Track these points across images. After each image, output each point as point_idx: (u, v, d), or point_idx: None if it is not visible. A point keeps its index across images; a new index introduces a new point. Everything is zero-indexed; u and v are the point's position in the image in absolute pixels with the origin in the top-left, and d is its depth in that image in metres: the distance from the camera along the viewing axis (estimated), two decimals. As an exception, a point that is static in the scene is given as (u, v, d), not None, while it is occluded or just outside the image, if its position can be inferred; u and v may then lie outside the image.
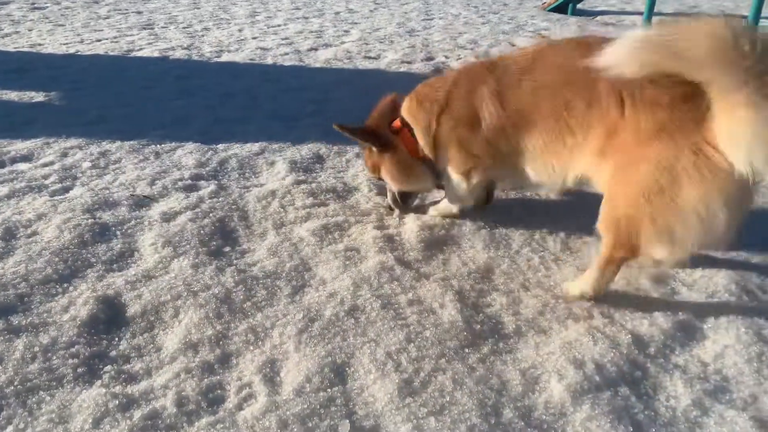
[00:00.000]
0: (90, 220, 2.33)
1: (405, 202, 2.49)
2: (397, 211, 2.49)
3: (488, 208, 2.47)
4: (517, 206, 2.57)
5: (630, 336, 1.74)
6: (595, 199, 2.57)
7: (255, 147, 3.23)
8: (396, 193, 2.45)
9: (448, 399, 1.49)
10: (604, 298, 1.92)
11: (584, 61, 1.67)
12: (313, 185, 2.75)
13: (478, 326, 1.77)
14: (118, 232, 2.28)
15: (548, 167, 1.96)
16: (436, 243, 2.26)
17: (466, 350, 1.67)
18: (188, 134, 3.41)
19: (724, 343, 1.73)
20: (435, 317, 1.80)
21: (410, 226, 2.36)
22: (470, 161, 2.14)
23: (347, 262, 2.10)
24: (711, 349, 1.71)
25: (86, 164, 2.92)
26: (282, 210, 2.50)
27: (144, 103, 4.01)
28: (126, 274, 2.01)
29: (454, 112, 2.12)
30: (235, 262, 2.11)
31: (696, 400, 1.52)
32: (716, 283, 2.03)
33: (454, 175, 2.23)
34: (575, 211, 2.54)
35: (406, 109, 2.28)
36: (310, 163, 3.03)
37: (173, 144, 3.24)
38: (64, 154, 3.04)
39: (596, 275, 1.85)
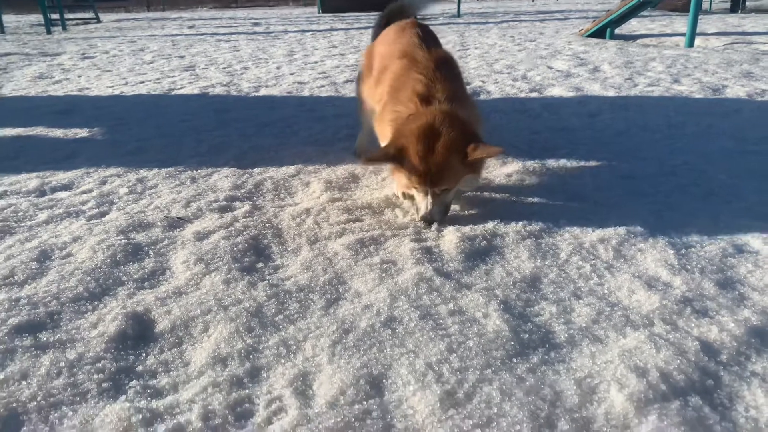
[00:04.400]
0: (123, 241, 2.30)
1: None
2: (435, 225, 2.38)
3: None
4: (563, 215, 2.42)
5: (698, 343, 1.56)
6: (644, 208, 2.42)
7: (290, 170, 3.20)
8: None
9: (495, 411, 1.34)
10: (664, 305, 1.75)
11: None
12: (348, 203, 2.68)
13: (527, 336, 1.63)
14: (150, 252, 2.24)
15: None
16: (478, 254, 2.13)
17: (514, 360, 1.52)
18: (224, 160, 3.41)
19: (807, 349, 1.53)
20: (478, 327, 1.67)
21: (449, 238, 2.25)
22: None
23: (383, 275, 2.00)
24: (792, 355, 1.52)
25: (123, 190, 2.92)
26: (316, 226, 2.42)
27: (182, 134, 4.06)
28: (157, 291, 1.95)
29: None
30: (267, 277, 2.03)
31: (781, 410, 1.33)
32: (791, 287, 1.83)
33: None
34: (624, 218, 2.38)
35: None
36: (345, 183, 2.96)
37: (209, 170, 3.23)
38: (103, 182, 3.07)
39: None
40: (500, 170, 3.06)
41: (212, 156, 3.52)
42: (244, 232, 2.37)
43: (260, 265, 2.13)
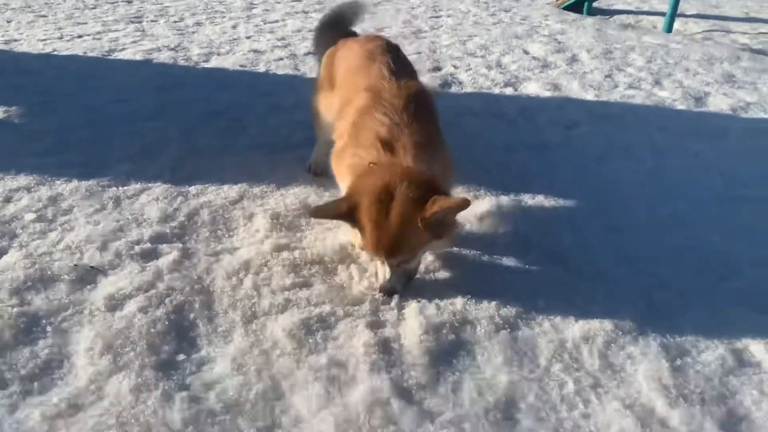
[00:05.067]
0: (16, 309, 1.88)
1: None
2: (396, 297, 2.05)
3: None
4: (542, 292, 2.11)
5: None
6: (632, 282, 2.05)
7: (233, 191, 2.77)
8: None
9: None
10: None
11: None
12: (296, 253, 2.30)
13: None
14: (49, 328, 1.83)
15: None
16: (445, 354, 1.81)
17: None
18: (157, 170, 2.94)
19: None
20: (442, 495, 1.36)
21: (411, 326, 1.91)
22: None
23: (330, 389, 1.66)
24: None
25: (29, 216, 2.45)
26: (255, 293, 2.05)
27: (114, 123, 3.54)
28: (47, 402, 1.57)
29: None
30: (188, 381, 1.66)
31: None
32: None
33: None
34: (611, 301, 2.08)
35: None
36: (295, 218, 2.57)
37: (138, 185, 2.77)
38: (7, 200, 2.58)
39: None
40: (472, 208, 2.71)
41: (144, 161, 3.04)
42: (167, 300, 1.98)
43: (181, 357, 1.75)
